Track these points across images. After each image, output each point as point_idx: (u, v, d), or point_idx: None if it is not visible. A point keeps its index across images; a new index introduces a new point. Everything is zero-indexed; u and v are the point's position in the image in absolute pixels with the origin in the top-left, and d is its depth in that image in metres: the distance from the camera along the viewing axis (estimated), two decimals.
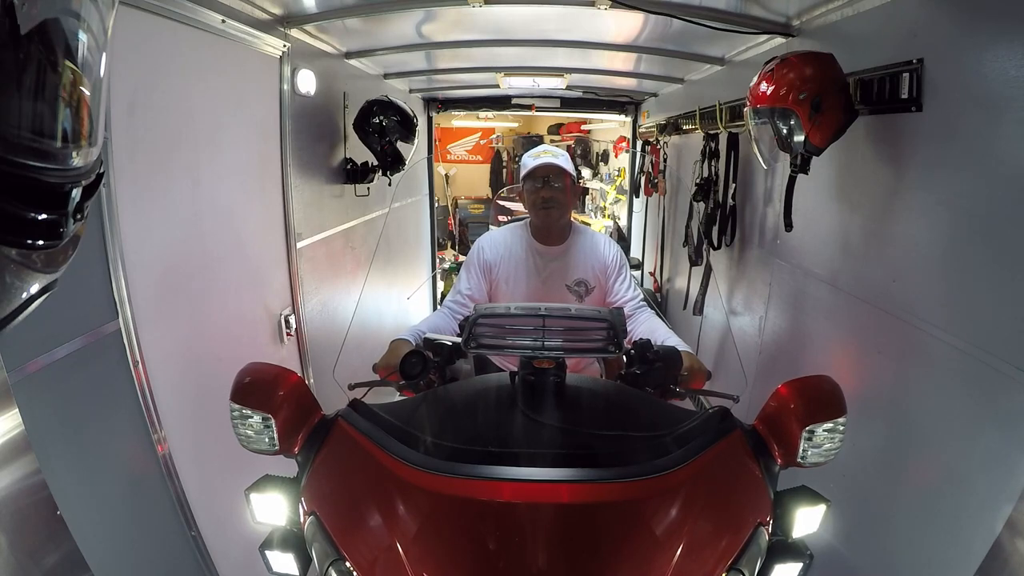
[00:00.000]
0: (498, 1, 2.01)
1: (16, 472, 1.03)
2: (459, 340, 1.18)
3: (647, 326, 1.64)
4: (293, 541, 0.99)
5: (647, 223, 4.68)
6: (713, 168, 2.76)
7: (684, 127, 3.26)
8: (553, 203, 1.69)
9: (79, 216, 0.53)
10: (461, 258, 4.83)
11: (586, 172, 7.03)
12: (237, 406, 1.01)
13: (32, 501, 1.06)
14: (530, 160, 1.72)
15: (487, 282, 1.76)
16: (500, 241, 1.80)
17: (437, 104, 4.61)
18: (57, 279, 0.55)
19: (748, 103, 1.67)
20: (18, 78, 0.44)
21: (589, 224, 4.29)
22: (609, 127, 6.52)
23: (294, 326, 2.31)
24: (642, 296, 1.76)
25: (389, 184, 2.93)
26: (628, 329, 1.61)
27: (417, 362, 1.22)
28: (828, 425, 0.98)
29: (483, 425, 1.07)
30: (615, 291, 1.75)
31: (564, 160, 1.71)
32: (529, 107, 4.54)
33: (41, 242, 0.49)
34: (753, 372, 2.31)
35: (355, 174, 2.78)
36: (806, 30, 1.96)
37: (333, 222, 2.72)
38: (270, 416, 1.00)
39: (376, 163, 2.80)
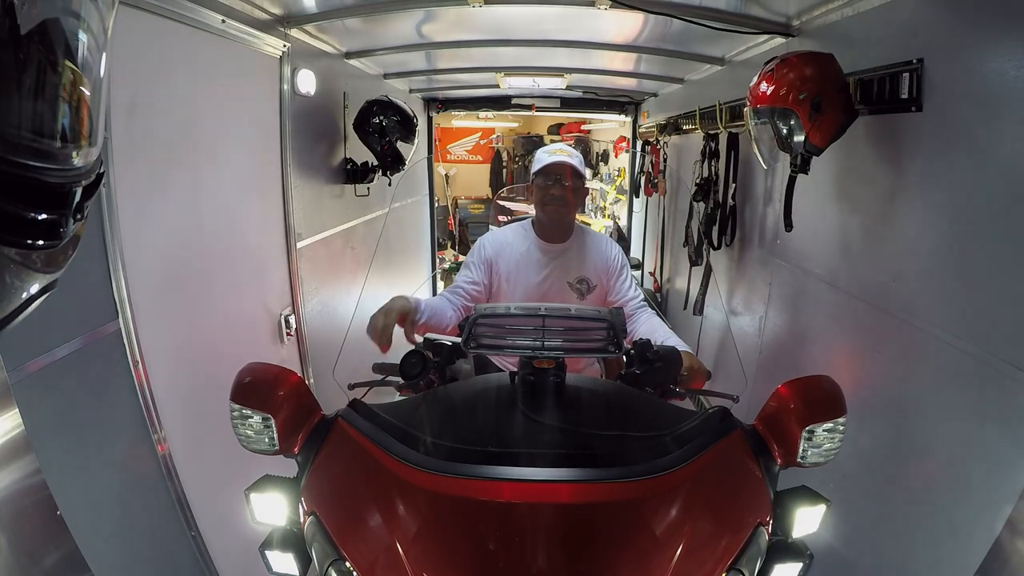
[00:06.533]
0: (498, 1, 2.01)
1: (16, 472, 1.03)
2: (459, 340, 1.18)
3: (647, 326, 1.64)
4: (293, 541, 0.99)
5: (647, 223, 4.68)
6: (713, 168, 2.76)
7: (684, 127, 3.26)
8: (562, 201, 1.70)
9: (79, 216, 0.53)
10: (461, 258, 4.84)
11: (586, 172, 7.02)
12: (237, 406, 1.01)
13: (32, 501, 1.06)
14: (545, 156, 1.72)
15: (488, 279, 1.76)
16: (502, 239, 1.80)
17: (437, 104, 4.61)
18: (57, 279, 0.55)
19: (748, 103, 1.67)
20: (18, 78, 0.44)
21: (589, 224, 4.30)
22: (609, 127, 6.52)
23: (294, 326, 2.31)
24: (643, 296, 1.76)
25: (389, 184, 2.93)
26: (628, 329, 1.61)
27: (417, 362, 1.22)
28: (828, 425, 0.98)
29: (483, 425, 1.07)
30: (616, 290, 1.75)
31: (578, 162, 1.72)
32: (529, 107, 4.55)
33: (41, 242, 0.49)
34: (753, 372, 2.30)
35: (355, 174, 2.79)
36: (806, 30, 1.96)
37: (333, 222, 2.72)
38: (270, 416, 1.00)
39: (376, 163, 2.80)
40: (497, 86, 3.72)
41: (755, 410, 1.07)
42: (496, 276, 1.76)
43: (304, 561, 0.98)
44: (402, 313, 1.34)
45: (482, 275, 1.74)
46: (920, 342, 1.38)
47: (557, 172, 1.69)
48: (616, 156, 6.26)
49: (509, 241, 1.78)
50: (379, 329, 1.29)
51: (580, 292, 1.75)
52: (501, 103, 4.48)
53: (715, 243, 2.75)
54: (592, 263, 1.76)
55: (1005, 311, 1.14)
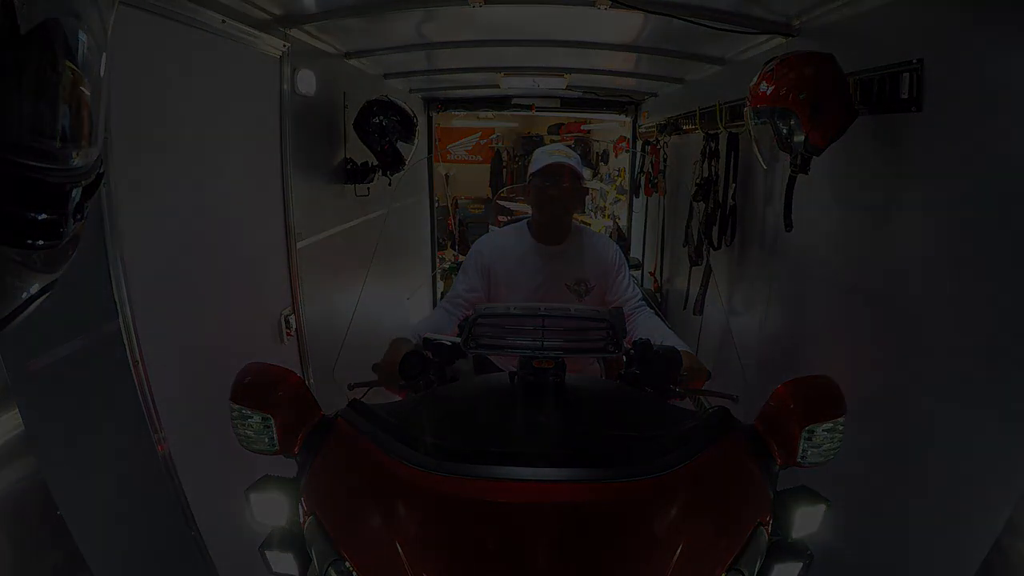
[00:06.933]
0: (498, 1, 2.01)
1: (16, 472, 1.03)
2: (459, 340, 1.19)
3: (647, 326, 1.64)
4: (293, 541, 0.99)
5: (647, 223, 4.68)
6: (713, 168, 2.76)
7: (684, 127, 3.26)
8: (560, 202, 1.69)
9: (79, 216, 0.53)
10: (461, 258, 4.82)
11: (586, 172, 7.02)
12: (237, 406, 1.01)
13: (32, 501, 1.06)
14: (544, 156, 1.71)
15: (486, 283, 1.75)
16: (498, 242, 1.79)
17: (437, 104, 4.61)
18: (57, 279, 0.55)
19: (748, 103, 1.67)
20: (18, 78, 0.44)
21: (589, 224, 4.30)
22: (609, 127, 6.52)
23: (294, 326, 2.31)
24: (641, 296, 1.76)
25: (389, 184, 2.93)
26: (627, 329, 1.61)
27: (416, 362, 1.22)
28: (828, 425, 0.98)
29: (483, 425, 1.07)
30: (615, 290, 1.75)
31: (576, 163, 1.71)
32: (529, 107, 4.55)
33: (41, 242, 0.49)
34: (753, 372, 2.30)
35: (355, 174, 2.78)
36: (806, 30, 1.96)
37: (333, 222, 2.72)
38: (270, 416, 1.00)
39: (376, 163, 2.80)
40: (497, 86, 3.72)
41: (755, 410, 1.07)
42: (494, 281, 1.75)
43: (304, 561, 0.98)
44: None
45: (479, 281, 1.73)
46: (919, 342, 1.38)
47: (556, 173, 1.68)
48: (616, 156, 6.26)
49: (505, 244, 1.78)
50: (391, 380, 1.28)
51: (578, 294, 1.74)
52: (501, 103, 4.48)
53: (715, 243, 2.75)
54: (590, 264, 1.76)
55: (1005, 311, 1.14)
